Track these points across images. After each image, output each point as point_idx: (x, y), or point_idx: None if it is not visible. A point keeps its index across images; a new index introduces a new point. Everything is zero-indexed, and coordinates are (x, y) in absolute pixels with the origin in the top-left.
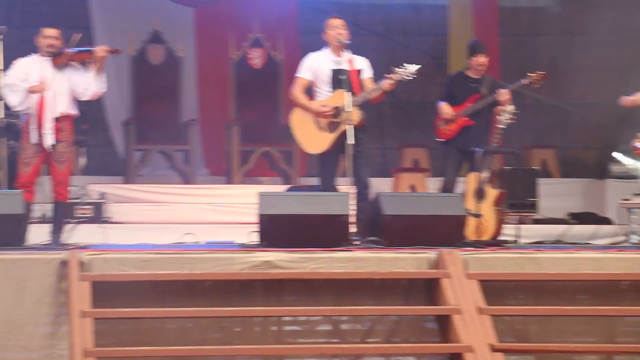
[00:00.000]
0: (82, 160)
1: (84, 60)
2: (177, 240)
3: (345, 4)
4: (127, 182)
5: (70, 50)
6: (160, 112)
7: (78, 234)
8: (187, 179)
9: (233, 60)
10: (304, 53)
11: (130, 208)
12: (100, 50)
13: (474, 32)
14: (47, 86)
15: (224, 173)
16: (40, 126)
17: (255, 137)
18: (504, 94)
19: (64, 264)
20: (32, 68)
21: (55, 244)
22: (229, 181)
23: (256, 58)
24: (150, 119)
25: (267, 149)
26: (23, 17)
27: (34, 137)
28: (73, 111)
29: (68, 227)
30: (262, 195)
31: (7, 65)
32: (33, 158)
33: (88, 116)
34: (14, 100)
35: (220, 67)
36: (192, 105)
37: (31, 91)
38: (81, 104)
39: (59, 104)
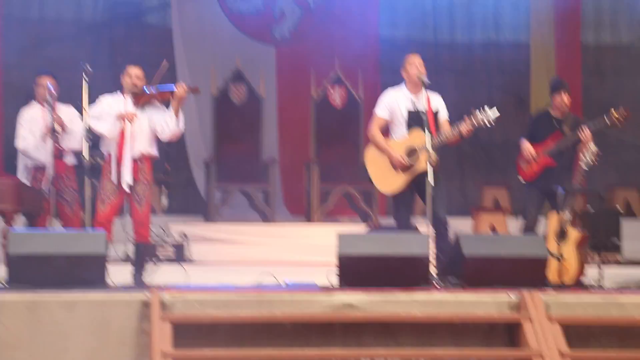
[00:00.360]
0: (164, 200)
1: (164, 99)
2: (257, 281)
3: (425, 42)
4: (207, 221)
5: (152, 90)
6: (241, 151)
7: (160, 274)
8: (267, 219)
9: (313, 98)
10: (384, 91)
11: (210, 248)
12: (179, 89)
13: (556, 70)
14: (134, 118)
15: (303, 212)
16: (119, 165)
17: (335, 176)
18: (585, 133)
19: (146, 305)
20: (115, 105)
21: (137, 284)
22: (309, 220)
23: (337, 96)
24: (231, 159)
25: (347, 188)
26: (111, 57)
27: (113, 176)
28: (153, 152)
29: (150, 267)
30: (341, 236)
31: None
32: (111, 197)
33: (170, 156)
34: (104, 127)
35: (300, 106)
36: (273, 144)
37: (120, 117)
38: (163, 144)
39: (139, 144)
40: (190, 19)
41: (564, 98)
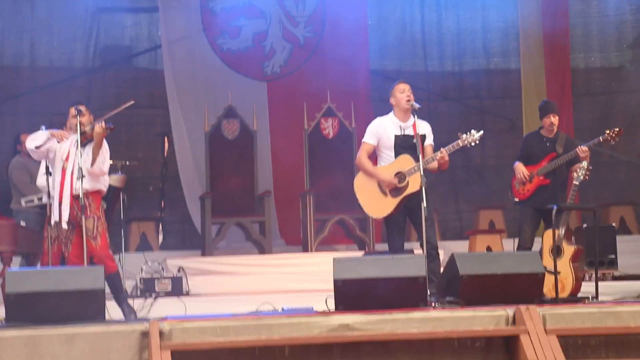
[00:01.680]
0: (160, 237)
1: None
2: (255, 309)
3: (416, 71)
4: (204, 255)
5: (88, 128)
6: (236, 185)
7: (158, 307)
8: (263, 250)
9: (306, 130)
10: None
11: (208, 280)
12: (96, 126)
13: (547, 93)
14: (64, 136)
15: (299, 242)
16: (60, 204)
17: (330, 206)
18: (584, 151)
19: (144, 335)
20: (63, 146)
21: (126, 315)
22: (305, 250)
23: (329, 127)
24: (225, 193)
25: (342, 216)
26: (102, 99)
27: (55, 216)
28: (98, 186)
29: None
30: (337, 261)
31: None
32: (70, 236)
33: (165, 193)
34: (32, 144)
35: (293, 138)
36: (267, 177)
37: (51, 134)
38: (159, 182)
39: (79, 180)
40: (181, 59)
41: (553, 120)
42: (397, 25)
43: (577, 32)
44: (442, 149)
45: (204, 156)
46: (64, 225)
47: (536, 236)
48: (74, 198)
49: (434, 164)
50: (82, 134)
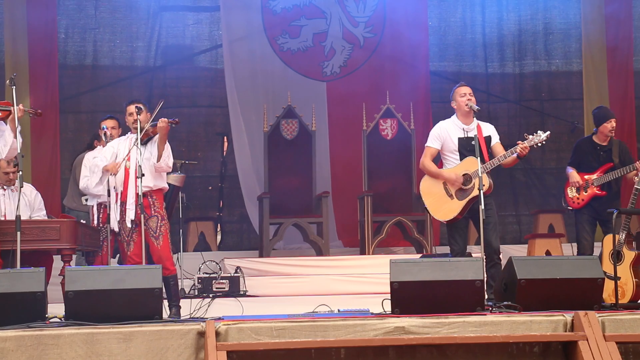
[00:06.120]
0: (218, 236)
1: (155, 133)
2: (311, 311)
3: (476, 73)
4: (262, 256)
5: (148, 125)
6: (294, 185)
7: (215, 307)
8: (320, 251)
9: (365, 131)
10: (435, 122)
11: (265, 281)
12: (160, 121)
13: (609, 96)
14: (116, 167)
15: (357, 244)
16: (124, 204)
17: (387, 207)
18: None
19: (201, 334)
20: (121, 147)
21: (174, 317)
22: (362, 252)
23: (387, 128)
24: (283, 193)
25: (400, 218)
26: (163, 97)
27: (117, 215)
28: (161, 184)
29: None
30: (394, 263)
31: None
32: (133, 235)
33: (224, 193)
34: (92, 182)
35: (352, 139)
36: (325, 177)
37: (105, 170)
38: (218, 182)
39: (144, 179)
40: (241, 59)
41: (614, 124)
42: (457, 26)
43: None
44: (519, 142)
45: (263, 156)
46: (128, 224)
47: (595, 241)
48: (138, 196)
49: (509, 159)
50: (142, 131)
